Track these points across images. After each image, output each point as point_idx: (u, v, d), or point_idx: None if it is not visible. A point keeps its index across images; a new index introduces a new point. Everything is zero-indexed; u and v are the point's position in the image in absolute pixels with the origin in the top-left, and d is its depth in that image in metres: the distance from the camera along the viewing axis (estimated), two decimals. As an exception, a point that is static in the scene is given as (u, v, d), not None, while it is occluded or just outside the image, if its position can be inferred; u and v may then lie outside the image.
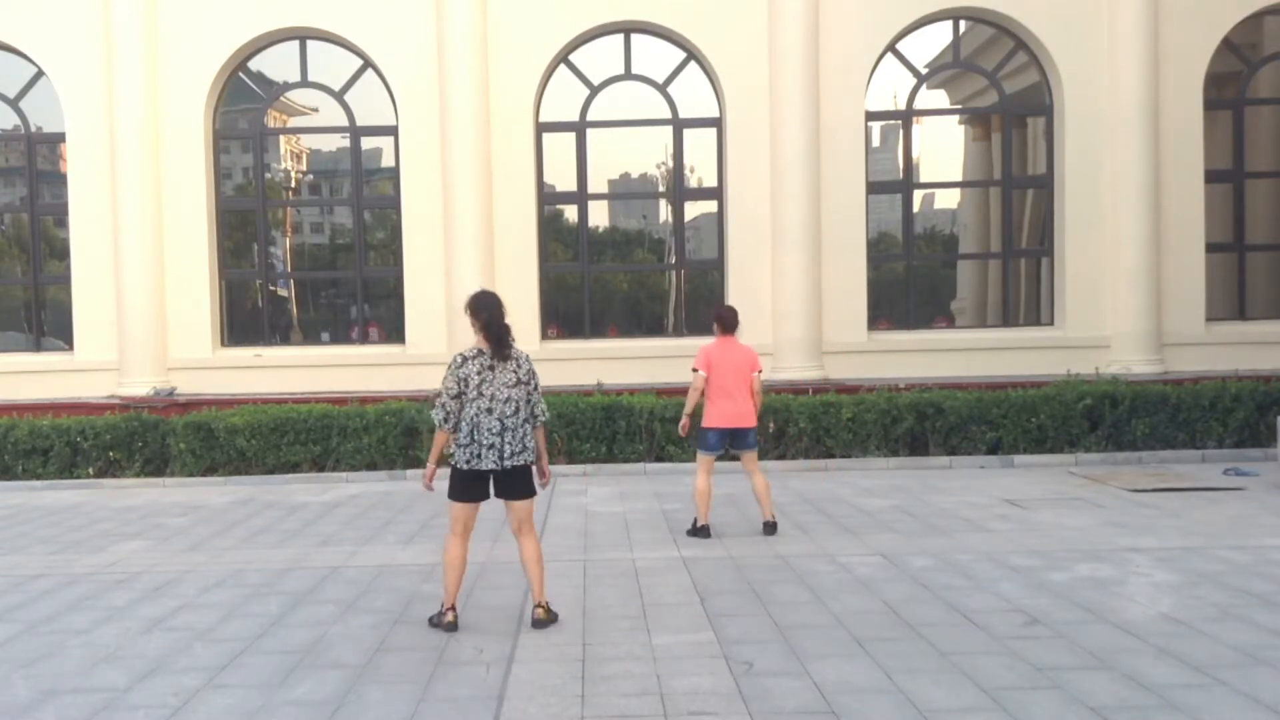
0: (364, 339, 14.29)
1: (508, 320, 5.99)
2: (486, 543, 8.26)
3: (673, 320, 14.68)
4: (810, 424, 12.00)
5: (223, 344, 13.99)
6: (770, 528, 8.34)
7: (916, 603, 6.30)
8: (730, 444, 8.41)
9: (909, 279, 14.36)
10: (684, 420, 8.50)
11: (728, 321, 8.37)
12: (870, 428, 11.96)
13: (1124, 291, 13.41)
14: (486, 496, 6.03)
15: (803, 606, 6.28)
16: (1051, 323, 14.02)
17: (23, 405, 13.13)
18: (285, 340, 14.54)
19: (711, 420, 8.28)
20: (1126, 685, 4.83)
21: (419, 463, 11.94)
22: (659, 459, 12.06)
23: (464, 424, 5.91)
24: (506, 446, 5.88)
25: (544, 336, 13.74)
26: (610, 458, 12.01)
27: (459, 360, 5.96)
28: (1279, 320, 14.06)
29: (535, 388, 6.05)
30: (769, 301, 13.40)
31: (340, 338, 14.53)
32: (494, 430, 5.87)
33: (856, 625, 5.85)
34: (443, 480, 6.11)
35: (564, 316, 14.40)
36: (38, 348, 14.33)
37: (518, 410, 5.94)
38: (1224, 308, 14.22)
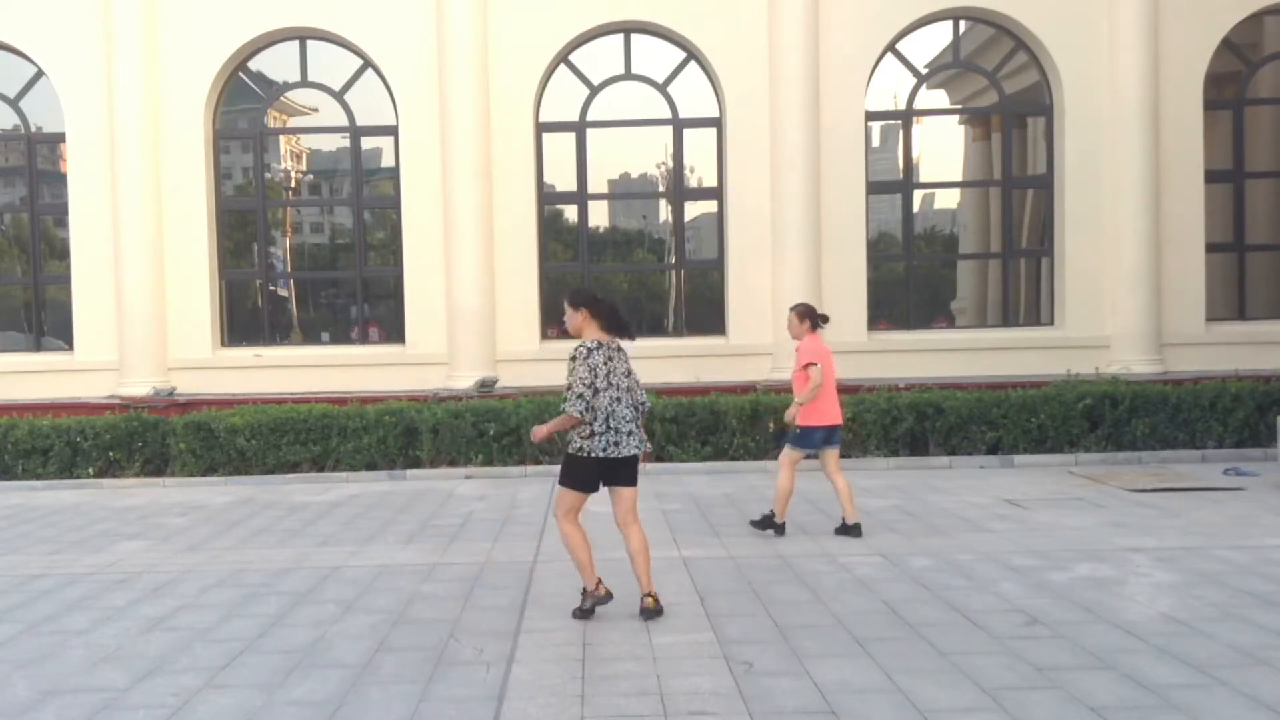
0: (364, 339, 14.29)
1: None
2: (485, 543, 8.27)
3: (673, 320, 14.68)
4: (810, 424, 11.98)
5: (223, 344, 13.99)
6: (854, 529, 8.15)
7: (917, 603, 6.29)
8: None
9: (909, 279, 14.37)
10: (794, 409, 8.15)
11: (821, 318, 8.37)
12: (870, 428, 11.96)
13: (1124, 291, 13.42)
14: (597, 488, 6.13)
15: (803, 606, 6.28)
16: (1051, 323, 14.02)
17: (23, 405, 13.13)
18: (285, 340, 14.54)
19: (821, 418, 8.16)
20: (1126, 685, 4.83)
21: (419, 463, 11.95)
22: (659, 459, 12.05)
23: (600, 413, 5.97)
24: (637, 432, 6.10)
25: (544, 336, 13.72)
26: (610, 458, 11.97)
27: (585, 351, 6.00)
28: (1279, 320, 14.05)
29: (637, 378, 6.27)
30: (769, 301, 13.38)
31: (340, 338, 14.52)
32: (627, 418, 6.04)
33: (856, 625, 5.85)
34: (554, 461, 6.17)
35: (564, 316, 14.36)
36: (38, 347, 14.34)
37: (634, 399, 6.17)
38: (1224, 308, 14.21)
